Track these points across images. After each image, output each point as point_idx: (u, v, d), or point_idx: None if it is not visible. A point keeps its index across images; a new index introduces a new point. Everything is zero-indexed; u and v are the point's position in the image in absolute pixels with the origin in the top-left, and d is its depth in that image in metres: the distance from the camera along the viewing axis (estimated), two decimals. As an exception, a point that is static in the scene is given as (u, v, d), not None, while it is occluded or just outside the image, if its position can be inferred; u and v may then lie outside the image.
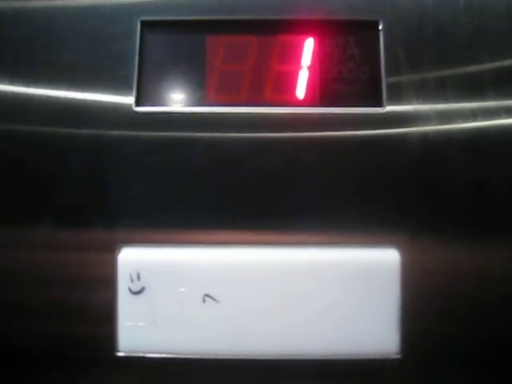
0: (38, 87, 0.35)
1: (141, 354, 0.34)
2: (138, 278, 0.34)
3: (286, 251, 0.34)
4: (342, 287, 0.34)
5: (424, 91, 0.35)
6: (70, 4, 0.36)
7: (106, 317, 0.34)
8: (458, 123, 0.34)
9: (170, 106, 0.35)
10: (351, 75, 0.35)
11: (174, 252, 0.34)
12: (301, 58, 0.35)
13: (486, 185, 0.34)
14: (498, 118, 0.35)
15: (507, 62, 0.35)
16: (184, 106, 0.35)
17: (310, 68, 0.35)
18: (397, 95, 0.35)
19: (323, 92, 0.35)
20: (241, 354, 0.33)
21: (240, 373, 0.34)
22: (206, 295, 0.33)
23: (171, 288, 0.34)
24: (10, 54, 0.35)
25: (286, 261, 0.34)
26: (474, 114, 0.34)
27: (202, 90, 0.35)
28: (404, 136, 0.34)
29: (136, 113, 0.35)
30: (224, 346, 0.33)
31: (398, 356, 0.34)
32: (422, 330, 0.34)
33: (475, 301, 0.34)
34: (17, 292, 0.34)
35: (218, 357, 0.34)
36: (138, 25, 0.35)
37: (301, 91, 0.35)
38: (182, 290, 0.33)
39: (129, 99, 0.35)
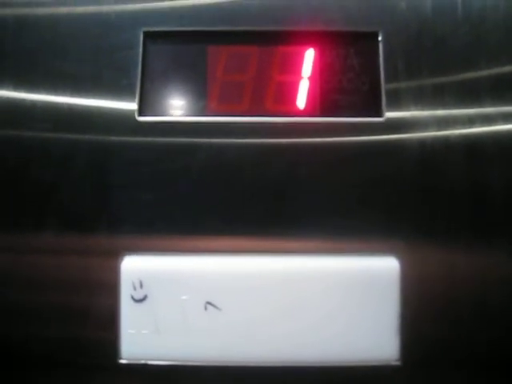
0: (42, 96, 0.35)
1: (143, 362, 0.34)
2: (141, 285, 0.34)
3: (286, 259, 0.34)
4: (342, 295, 0.34)
5: (422, 98, 0.35)
6: (74, 13, 0.36)
7: (109, 323, 0.34)
8: (456, 129, 0.35)
9: (172, 115, 0.35)
10: (351, 85, 0.35)
11: (176, 260, 0.34)
12: (301, 68, 0.36)
13: (484, 191, 0.34)
14: (495, 124, 0.35)
15: (504, 69, 0.35)
16: (186, 115, 0.35)
17: (311, 78, 0.36)
18: (396, 103, 0.35)
19: (324, 102, 0.35)
20: (242, 362, 0.34)
21: (242, 380, 0.34)
22: (208, 303, 0.34)
23: (173, 296, 0.34)
24: (14, 61, 0.36)
25: (287, 269, 0.34)
26: (471, 121, 0.35)
27: (203, 100, 0.36)
28: (403, 142, 0.35)
29: (139, 122, 0.35)
30: (226, 353, 0.34)
31: (398, 363, 0.34)
32: (421, 336, 0.34)
33: (474, 307, 0.34)
34: (19, 297, 0.34)
35: (220, 364, 0.34)
36: (141, 35, 0.36)
37: (301, 101, 0.35)
38: (184, 297, 0.34)
39: (131, 109, 0.35)
